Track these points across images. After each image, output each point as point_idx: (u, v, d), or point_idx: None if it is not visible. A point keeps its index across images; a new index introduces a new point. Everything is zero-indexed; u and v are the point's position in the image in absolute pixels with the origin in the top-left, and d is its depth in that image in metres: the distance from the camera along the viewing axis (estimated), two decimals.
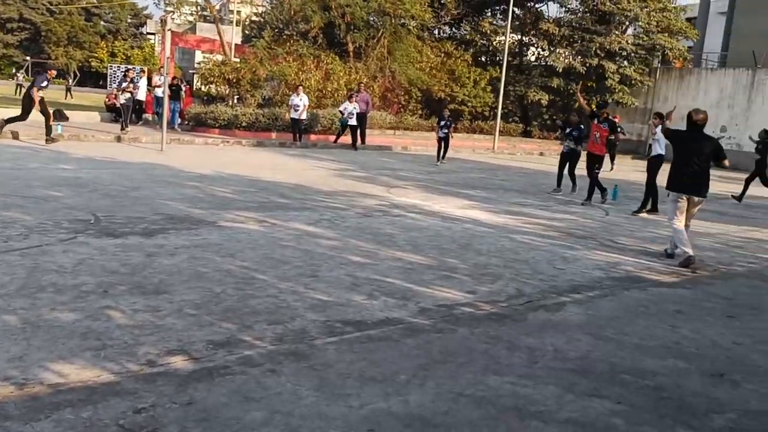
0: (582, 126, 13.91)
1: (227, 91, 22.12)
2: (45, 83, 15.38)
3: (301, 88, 20.48)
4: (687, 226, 8.18)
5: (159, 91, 20.12)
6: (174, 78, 22.22)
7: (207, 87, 22.58)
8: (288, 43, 24.45)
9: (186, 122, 21.70)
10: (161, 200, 9.30)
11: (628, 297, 6.31)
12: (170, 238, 7.12)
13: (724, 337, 5.35)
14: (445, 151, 18.48)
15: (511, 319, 5.34)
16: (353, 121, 20.19)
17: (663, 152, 12.09)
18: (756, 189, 18.14)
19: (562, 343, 4.90)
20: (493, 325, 5.18)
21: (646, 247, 8.87)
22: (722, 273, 7.71)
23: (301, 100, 20.00)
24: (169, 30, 15.73)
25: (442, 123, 18.22)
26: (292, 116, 20.31)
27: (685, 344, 5.10)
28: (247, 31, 41.57)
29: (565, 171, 13.77)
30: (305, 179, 12.78)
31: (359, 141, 20.57)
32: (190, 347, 4.24)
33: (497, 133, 25.51)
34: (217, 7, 26.32)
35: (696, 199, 8.16)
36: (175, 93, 21.72)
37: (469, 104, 28.70)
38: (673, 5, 28.72)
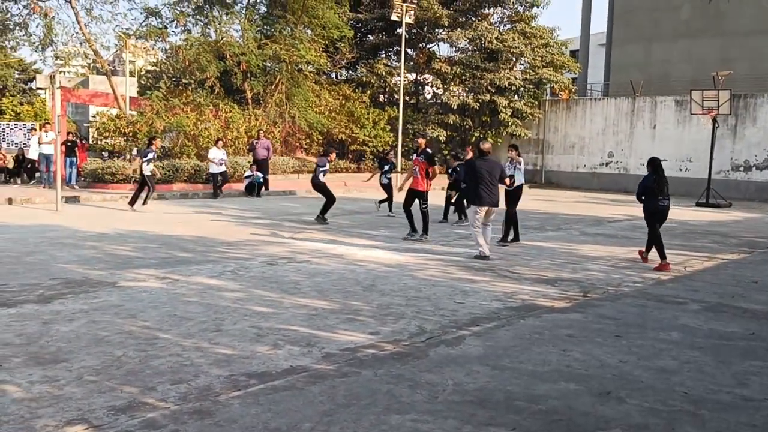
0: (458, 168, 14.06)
1: (124, 145, 21.68)
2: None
3: (221, 144, 20.40)
4: (487, 225, 10.56)
5: (45, 149, 19.50)
6: (69, 134, 21.63)
7: (103, 142, 22.03)
8: (185, 94, 24.28)
9: (83, 179, 21.10)
10: (58, 264, 9.04)
11: (523, 325, 6.62)
12: (68, 303, 6.96)
13: (612, 356, 5.71)
14: (391, 199, 16.28)
15: (413, 357, 5.52)
16: (221, 168, 19.77)
17: (523, 181, 12.49)
18: (641, 209, 19.29)
19: (462, 376, 5.11)
20: (396, 364, 5.34)
21: (540, 275, 9.31)
22: (611, 294, 8.20)
23: (224, 153, 19.97)
24: (59, 87, 15.35)
25: (386, 168, 16.55)
26: (213, 171, 19.77)
27: (575, 366, 5.42)
28: (143, 82, 40.99)
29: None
30: (208, 230, 12.69)
31: (263, 188, 20.56)
32: (91, 415, 4.19)
33: (399, 171, 25.99)
34: (110, 59, 25.86)
35: (492, 209, 10.50)
36: (70, 149, 21.15)
37: (371, 144, 29.21)
38: (554, 41, 30.32)
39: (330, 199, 14.50)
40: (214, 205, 17.59)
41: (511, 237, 12.21)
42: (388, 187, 16.33)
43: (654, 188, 10.24)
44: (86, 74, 49.64)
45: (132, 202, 15.98)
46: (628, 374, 5.28)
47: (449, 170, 14.86)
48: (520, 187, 12.21)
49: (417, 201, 12.32)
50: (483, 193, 10.31)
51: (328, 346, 5.75)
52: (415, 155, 12.71)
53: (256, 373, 5.05)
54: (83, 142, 23.96)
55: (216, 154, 19.66)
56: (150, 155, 16.33)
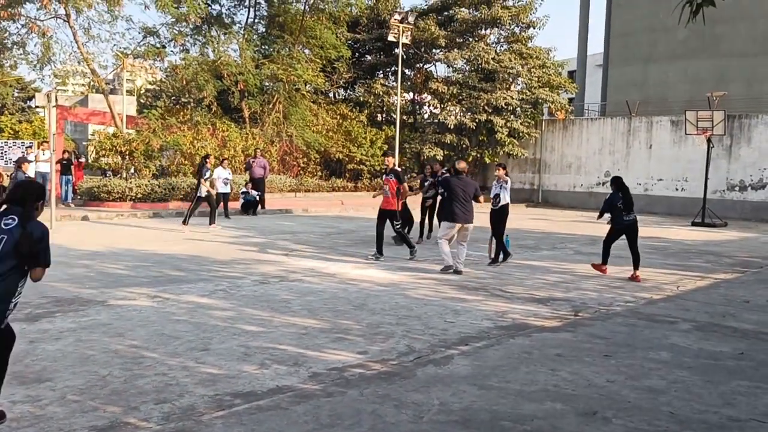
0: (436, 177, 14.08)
1: (121, 164, 21.74)
2: None
3: (226, 161, 19.76)
4: (462, 243, 10.83)
5: (41, 167, 19.52)
6: (65, 152, 21.69)
7: (99, 161, 22.10)
8: (182, 113, 24.40)
9: (78, 197, 21.13)
10: (48, 282, 8.97)
11: (513, 345, 6.60)
12: (56, 321, 6.94)
13: (600, 376, 5.69)
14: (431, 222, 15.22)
15: (400, 377, 5.50)
16: (227, 188, 18.87)
17: (509, 200, 12.22)
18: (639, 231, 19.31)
19: (448, 395, 5.09)
20: (383, 384, 5.32)
21: (533, 294, 9.30)
22: (602, 314, 8.18)
23: (228, 173, 19.07)
24: (55, 106, 15.41)
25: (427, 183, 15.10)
26: (220, 191, 18.47)
27: (563, 386, 5.40)
28: (142, 101, 41.20)
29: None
30: (202, 249, 12.68)
31: (259, 206, 20.58)
32: None
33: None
34: (110, 78, 25.97)
35: (466, 225, 10.75)
36: (65, 167, 21.21)
37: (368, 163, 29.32)
38: (551, 61, 30.51)
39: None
40: (206, 223, 17.58)
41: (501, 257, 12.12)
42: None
43: (620, 206, 11.01)
44: (86, 93, 49.93)
45: (185, 221, 15.95)
46: (616, 394, 5.26)
47: (427, 182, 14.64)
48: (506, 206, 12.00)
49: (390, 221, 12.24)
50: (457, 210, 10.68)
51: (315, 365, 5.73)
52: (384, 174, 12.56)
53: (241, 392, 5.03)
54: (80, 160, 24.04)
55: (221, 173, 19.01)
56: (207, 173, 16.16)
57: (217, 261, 11.34)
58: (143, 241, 13.74)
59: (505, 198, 11.99)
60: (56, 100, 17.16)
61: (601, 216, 11.36)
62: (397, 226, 12.25)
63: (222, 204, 19.02)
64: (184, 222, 15.92)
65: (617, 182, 11.23)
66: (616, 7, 36.16)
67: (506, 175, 12.30)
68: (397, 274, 10.57)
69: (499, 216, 11.93)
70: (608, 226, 11.53)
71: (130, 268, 10.39)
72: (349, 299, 8.53)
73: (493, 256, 12.03)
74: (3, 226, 4.27)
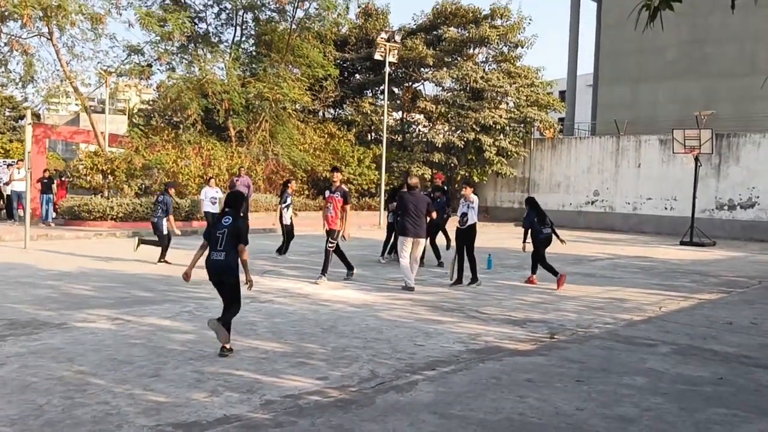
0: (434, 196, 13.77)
1: (102, 182, 21.45)
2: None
3: (213, 180, 18.79)
4: (415, 259, 10.96)
5: (16, 185, 19.20)
6: (45, 171, 21.39)
7: (80, 180, 21.78)
8: (166, 131, 24.16)
9: (59, 216, 20.81)
10: (7, 303, 8.71)
11: (482, 369, 6.32)
12: (5, 346, 6.63)
13: (569, 403, 5.41)
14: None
15: (357, 405, 5.21)
16: (215, 208, 17.47)
17: (476, 220, 11.81)
18: (624, 248, 19.11)
19: (405, 426, 4.80)
20: (338, 412, 5.03)
21: (509, 315, 9.02)
22: (579, 336, 7.91)
23: (216, 192, 17.88)
24: (30, 124, 15.14)
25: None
26: (207, 210, 17.70)
27: (529, 414, 5.11)
28: (134, 120, 41.03)
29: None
30: (176, 270, 12.32)
31: None
32: None
33: (382, 209, 25.84)
34: (102, 97, 25.70)
35: (419, 240, 10.91)
36: (46, 186, 20.90)
37: (355, 182, 29.10)
38: (540, 80, 30.46)
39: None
40: (188, 243, 17.26)
41: (467, 278, 11.56)
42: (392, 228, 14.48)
43: (537, 223, 11.91)
44: (80, 111, 49.63)
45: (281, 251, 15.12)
46: (584, 423, 4.98)
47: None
48: (473, 226, 11.47)
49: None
50: (408, 225, 10.84)
51: (270, 392, 5.44)
52: (328, 191, 11.82)
53: (185, 422, 4.73)
54: (63, 179, 23.74)
55: (208, 192, 18.01)
56: (289, 200, 14.99)
57: (190, 282, 11.00)
58: (117, 261, 13.43)
59: (473, 217, 11.51)
60: (39, 117, 16.95)
61: (525, 238, 12.01)
62: (331, 246, 11.43)
63: (207, 224, 18.54)
64: (281, 252, 15.05)
65: (530, 202, 12.25)
66: (605, 27, 36.21)
67: (472, 193, 11.82)
68: (371, 295, 10.28)
69: (466, 236, 11.48)
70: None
71: (97, 289, 10.08)
72: (318, 321, 8.24)
73: (455, 277, 11.52)
74: (224, 223, 7.04)
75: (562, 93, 40.57)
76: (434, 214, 11.46)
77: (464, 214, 11.45)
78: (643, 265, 15.64)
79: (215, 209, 17.80)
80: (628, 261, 16.35)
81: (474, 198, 11.62)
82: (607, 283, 12.37)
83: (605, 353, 7.12)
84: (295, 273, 12.50)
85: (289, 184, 15.37)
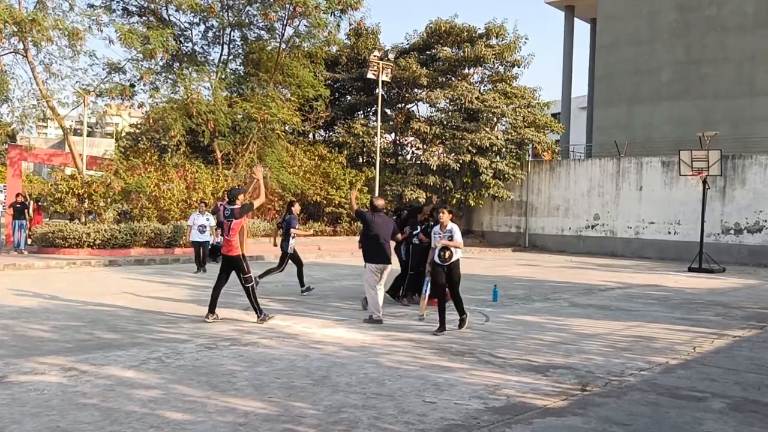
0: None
1: (78, 207, 20.23)
2: None
3: (203, 205, 17.20)
4: (379, 287, 10.09)
5: None
6: (18, 195, 20.17)
7: (55, 204, 20.51)
8: (148, 153, 23.01)
9: (32, 243, 19.58)
10: None
11: None
12: None
13: None
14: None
15: None
16: (204, 237, 16.40)
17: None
18: (632, 275, 18.05)
19: None
20: None
21: (527, 359, 7.87)
22: (614, 387, 6.77)
23: (207, 219, 16.52)
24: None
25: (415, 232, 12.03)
26: (194, 239, 16.46)
27: None
28: (121, 144, 39.83)
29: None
30: (152, 304, 11.17)
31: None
32: None
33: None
34: (86, 118, 24.53)
35: (387, 267, 10.15)
36: (19, 212, 19.68)
37: (347, 206, 27.95)
38: (537, 101, 29.60)
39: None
40: (168, 273, 16.09)
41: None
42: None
43: None
44: (65, 134, 48.39)
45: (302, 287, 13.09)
46: None
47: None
48: (457, 262, 9.44)
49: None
50: (375, 249, 10.13)
51: None
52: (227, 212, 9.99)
53: None
54: (39, 203, 22.51)
55: (197, 220, 16.47)
56: (295, 223, 13.12)
57: (164, 319, 9.85)
58: (87, 293, 12.21)
59: (457, 251, 9.39)
60: (14, 138, 15.77)
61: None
62: (247, 282, 9.81)
63: (195, 257, 16.54)
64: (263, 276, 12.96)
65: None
66: (599, 48, 35.55)
67: (451, 219, 9.52)
68: (368, 335, 9.12)
69: (450, 274, 9.42)
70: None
71: (56, 329, 8.86)
72: (309, 370, 7.07)
73: (440, 325, 9.38)
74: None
75: (554, 115, 39.82)
76: (399, 236, 10.86)
77: (446, 249, 9.27)
78: (657, 295, 14.56)
79: (204, 238, 16.42)
80: (640, 291, 15.28)
81: (453, 227, 9.39)
82: (626, 317, 11.26)
83: (650, 411, 5.98)
84: (283, 307, 11.33)
85: (293, 207, 13.53)
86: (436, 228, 9.61)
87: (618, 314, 11.64)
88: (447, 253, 9.28)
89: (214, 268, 15.29)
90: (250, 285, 9.80)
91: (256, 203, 10.39)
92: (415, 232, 11.91)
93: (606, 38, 34.93)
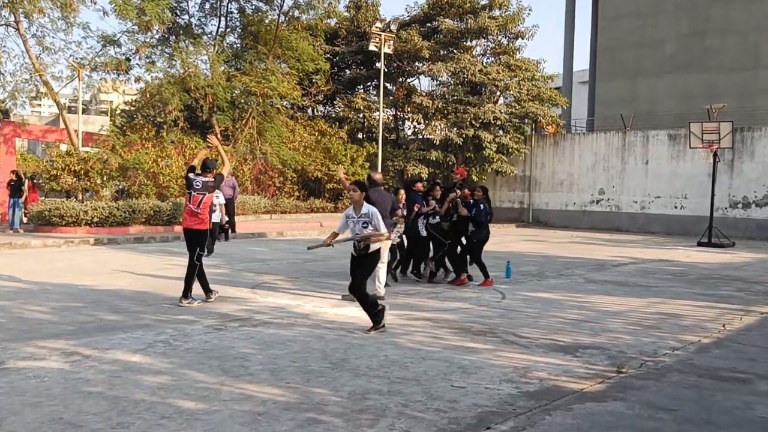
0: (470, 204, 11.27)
1: (75, 185, 19.70)
2: None
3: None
4: (379, 266, 9.21)
5: None
6: (12, 172, 19.65)
7: (51, 181, 19.96)
8: (146, 128, 22.46)
9: (28, 222, 19.10)
10: None
11: (552, 427, 4.77)
12: None
13: None
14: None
15: None
16: (214, 217, 13.66)
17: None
18: (642, 251, 17.68)
19: None
20: None
21: (553, 339, 7.48)
22: (651, 369, 6.38)
23: (216, 197, 13.36)
24: None
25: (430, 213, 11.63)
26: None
27: None
28: (116, 121, 39.30)
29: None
30: (153, 284, 10.74)
31: (230, 231, 18.57)
32: None
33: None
34: (88, 97, 23.98)
35: (386, 243, 9.48)
36: (14, 190, 19.19)
37: (349, 182, 27.49)
38: (540, 74, 29.03)
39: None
40: (169, 251, 15.65)
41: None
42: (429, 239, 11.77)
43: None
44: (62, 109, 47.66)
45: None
46: None
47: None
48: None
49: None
50: None
51: None
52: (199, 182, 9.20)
53: None
54: (34, 181, 21.98)
55: None
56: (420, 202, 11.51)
57: (168, 299, 9.42)
58: (86, 273, 11.79)
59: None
60: (8, 114, 15.24)
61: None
62: (200, 256, 9.18)
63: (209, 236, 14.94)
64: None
65: (485, 191, 11.59)
66: (602, 20, 34.90)
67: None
68: None
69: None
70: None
71: (56, 310, 8.43)
72: (325, 352, 6.67)
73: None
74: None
75: (556, 89, 39.17)
76: (399, 213, 10.30)
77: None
78: (672, 270, 14.19)
79: (213, 218, 13.38)
80: (654, 266, 14.90)
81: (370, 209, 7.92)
82: (647, 294, 10.88)
83: (695, 395, 5.59)
84: (290, 286, 10.92)
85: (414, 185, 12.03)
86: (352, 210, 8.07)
87: (637, 290, 11.26)
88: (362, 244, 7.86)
89: (220, 249, 14.81)
90: (198, 264, 9.14)
91: (225, 172, 9.89)
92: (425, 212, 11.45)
93: (609, 11, 34.27)
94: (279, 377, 5.77)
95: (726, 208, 24.42)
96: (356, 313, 8.66)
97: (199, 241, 9.19)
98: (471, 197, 11.38)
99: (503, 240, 21.07)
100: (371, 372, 6.00)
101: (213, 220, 13.50)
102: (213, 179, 9.39)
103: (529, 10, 28.67)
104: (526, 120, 28.71)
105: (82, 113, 22.96)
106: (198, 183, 9.22)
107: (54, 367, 5.90)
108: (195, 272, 9.13)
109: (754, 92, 29.45)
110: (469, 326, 8.07)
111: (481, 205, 11.23)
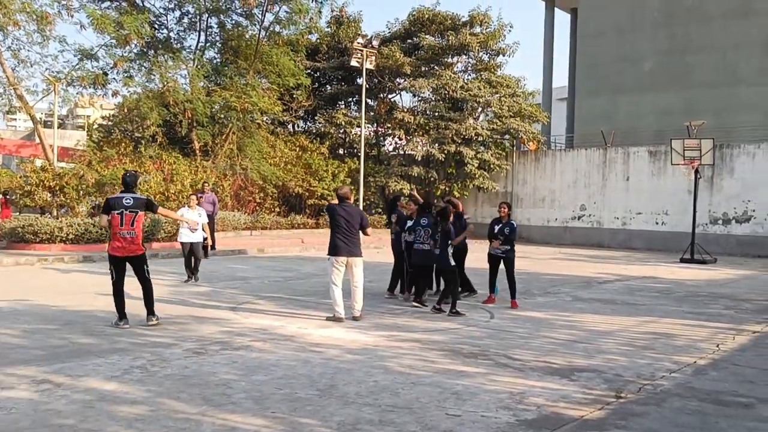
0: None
1: (50, 201, 19.22)
2: None
3: (194, 198, 13.73)
4: (356, 285, 9.44)
5: None
6: None
7: (25, 197, 19.44)
8: (123, 143, 22.04)
9: (1, 239, 18.56)
10: None
11: None
12: None
13: None
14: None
15: None
16: (195, 236, 13.14)
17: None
18: (626, 267, 17.56)
19: None
20: None
21: (547, 362, 7.24)
22: (650, 393, 6.16)
23: (199, 215, 13.30)
24: None
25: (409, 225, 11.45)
26: (183, 239, 13.24)
27: None
28: (93, 136, 38.75)
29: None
30: (130, 305, 10.23)
31: (209, 248, 18.17)
32: None
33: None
34: (64, 112, 23.53)
35: (352, 260, 9.37)
36: None
37: (330, 198, 27.16)
38: (521, 90, 29.05)
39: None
40: (150, 268, 15.19)
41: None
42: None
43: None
44: (39, 122, 46.84)
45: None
46: None
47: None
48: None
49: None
50: (339, 242, 9.33)
51: None
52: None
53: None
54: (7, 197, 21.46)
55: (185, 216, 12.86)
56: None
57: (145, 320, 9.05)
58: (60, 292, 11.38)
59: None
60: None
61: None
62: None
63: (184, 262, 13.39)
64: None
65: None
66: (581, 38, 35.07)
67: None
68: (370, 335, 8.44)
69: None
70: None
71: (26, 333, 8.05)
72: (311, 378, 6.37)
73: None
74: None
75: (536, 105, 39.27)
76: (369, 231, 9.85)
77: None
78: (658, 287, 14.06)
79: (195, 238, 13.11)
80: (639, 283, 14.77)
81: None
82: (636, 312, 10.70)
83: (699, 422, 5.38)
84: (273, 306, 10.59)
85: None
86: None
87: (626, 309, 11.08)
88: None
89: (206, 269, 14.30)
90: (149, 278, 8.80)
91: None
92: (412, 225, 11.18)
93: (589, 27, 34.46)
94: (264, 406, 5.46)
95: (707, 224, 24.46)
96: (343, 335, 8.39)
97: (143, 261, 8.77)
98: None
99: (486, 256, 20.82)
100: (361, 399, 5.71)
101: (196, 240, 13.22)
102: (145, 197, 8.91)
103: (510, 26, 28.75)
104: (507, 136, 28.63)
105: (58, 128, 22.53)
106: (129, 200, 8.50)
107: (23, 397, 5.54)
108: (152, 287, 8.80)
109: (732, 109, 29.66)
110: (460, 348, 7.82)
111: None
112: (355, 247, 9.40)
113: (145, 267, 8.81)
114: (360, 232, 9.55)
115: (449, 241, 10.30)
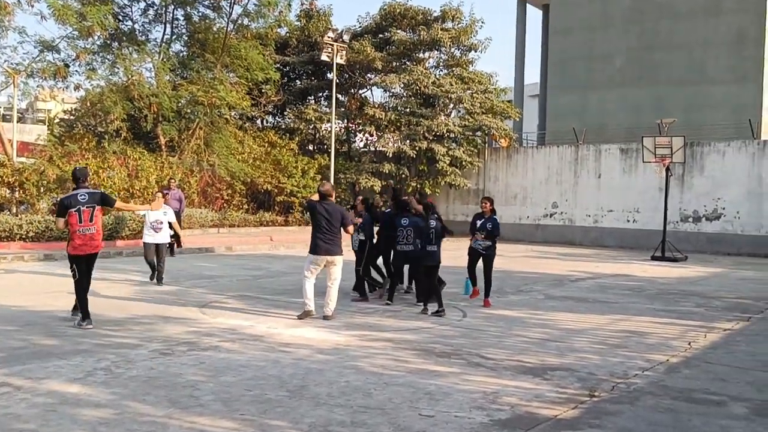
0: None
1: (9, 198, 18.70)
2: None
3: (160, 195, 12.83)
4: (330, 284, 9.29)
5: None
6: None
7: None
8: (86, 138, 21.55)
9: None
10: None
11: None
12: None
13: None
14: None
15: None
16: (160, 237, 12.56)
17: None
18: (598, 265, 17.65)
19: None
20: None
21: (520, 360, 7.17)
22: (624, 392, 6.11)
23: (164, 213, 12.65)
24: None
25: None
26: (147, 240, 12.57)
27: None
28: (55, 131, 37.97)
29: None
30: (93, 304, 10.00)
31: (175, 245, 17.84)
32: None
33: None
34: (24, 105, 22.96)
35: (331, 258, 9.22)
36: None
37: (299, 195, 26.93)
38: (494, 86, 29.07)
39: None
40: (111, 268, 14.87)
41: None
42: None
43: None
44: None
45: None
46: None
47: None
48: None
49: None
50: (319, 241, 9.17)
51: None
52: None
53: None
54: None
55: (150, 215, 12.50)
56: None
57: (110, 320, 8.82)
58: (20, 292, 11.04)
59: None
60: None
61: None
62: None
63: (149, 265, 12.62)
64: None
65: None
66: (553, 34, 35.25)
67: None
68: (341, 334, 8.29)
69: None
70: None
71: None
72: (282, 378, 6.20)
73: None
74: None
75: (508, 102, 39.43)
76: (350, 229, 9.80)
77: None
78: (630, 285, 14.11)
79: (160, 239, 12.51)
80: (611, 281, 14.81)
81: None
82: (608, 310, 10.70)
83: (672, 419, 5.34)
84: (242, 305, 10.38)
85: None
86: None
87: (598, 307, 11.08)
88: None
89: (173, 267, 13.95)
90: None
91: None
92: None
93: (559, 24, 34.62)
94: (233, 408, 5.29)
95: (677, 222, 24.69)
96: (314, 335, 8.24)
97: (96, 258, 8.71)
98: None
99: (458, 255, 20.77)
100: (332, 400, 5.57)
101: (161, 241, 12.70)
102: (99, 191, 8.73)
103: (482, 22, 28.71)
104: (479, 133, 28.61)
105: (18, 122, 21.94)
106: (83, 195, 8.24)
107: None
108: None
109: (700, 107, 30.01)
110: (432, 347, 7.71)
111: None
112: (335, 246, 9.26)
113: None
114: (342, 229, 9.42)
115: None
